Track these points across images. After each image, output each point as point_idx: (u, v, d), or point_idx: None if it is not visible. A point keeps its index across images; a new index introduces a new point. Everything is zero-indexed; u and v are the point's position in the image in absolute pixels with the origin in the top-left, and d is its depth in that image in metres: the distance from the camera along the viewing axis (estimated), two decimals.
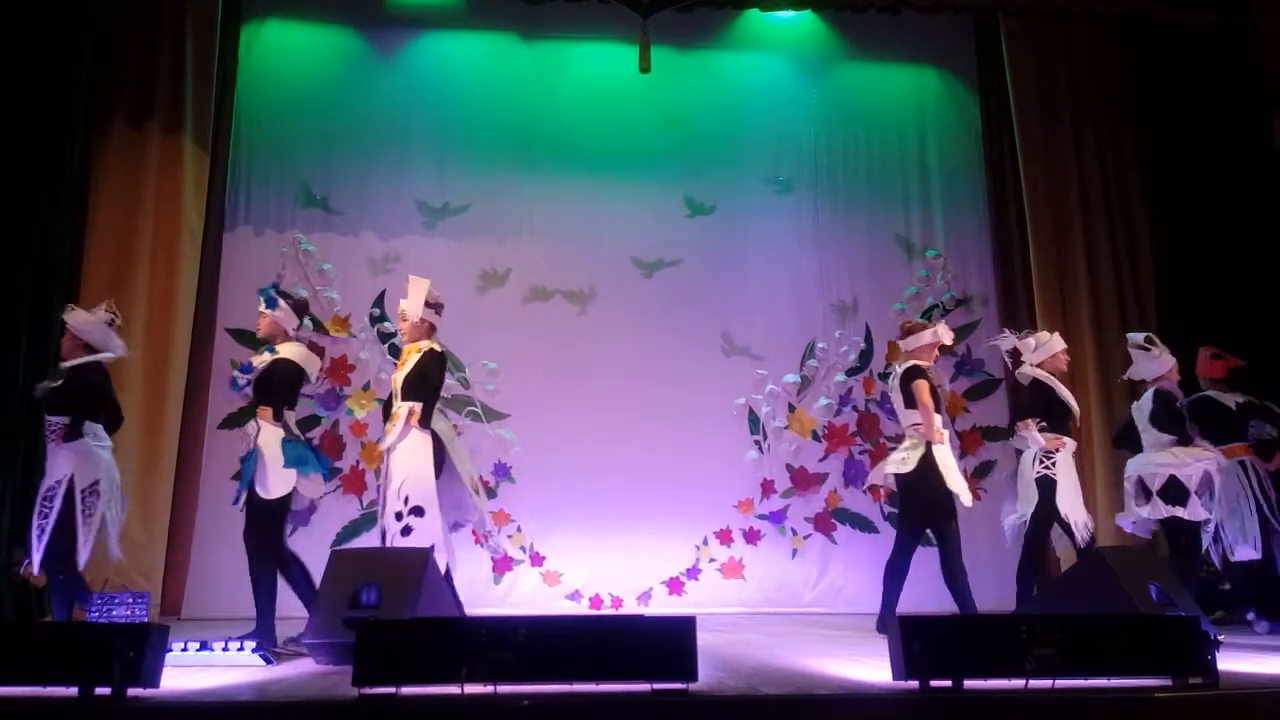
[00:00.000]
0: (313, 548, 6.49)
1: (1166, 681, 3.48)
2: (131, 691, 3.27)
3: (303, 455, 5.02)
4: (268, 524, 4.98)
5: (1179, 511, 5.75)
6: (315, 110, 7.83)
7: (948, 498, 5.49)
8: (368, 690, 3.25)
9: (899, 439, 7.72)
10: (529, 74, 8.11)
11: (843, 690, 3.59)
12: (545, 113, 8.00)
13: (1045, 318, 7.61)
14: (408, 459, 5.12)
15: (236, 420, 7.15)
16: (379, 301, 7.57)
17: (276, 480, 4.94)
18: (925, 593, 6.92)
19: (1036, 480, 5.75)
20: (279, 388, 5.10)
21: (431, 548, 4.68)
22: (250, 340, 7.36)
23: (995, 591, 6.36)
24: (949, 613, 5.29)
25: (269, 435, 5.01)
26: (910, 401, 5.63)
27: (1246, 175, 7.58)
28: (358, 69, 8.00)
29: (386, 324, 7.49)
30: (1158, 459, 5.90)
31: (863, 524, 7.65)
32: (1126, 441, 6.34)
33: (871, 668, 3.96)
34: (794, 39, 8.42)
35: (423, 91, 7.96)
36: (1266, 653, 4.73)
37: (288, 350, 5.18)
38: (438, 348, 5.34)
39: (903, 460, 5.57)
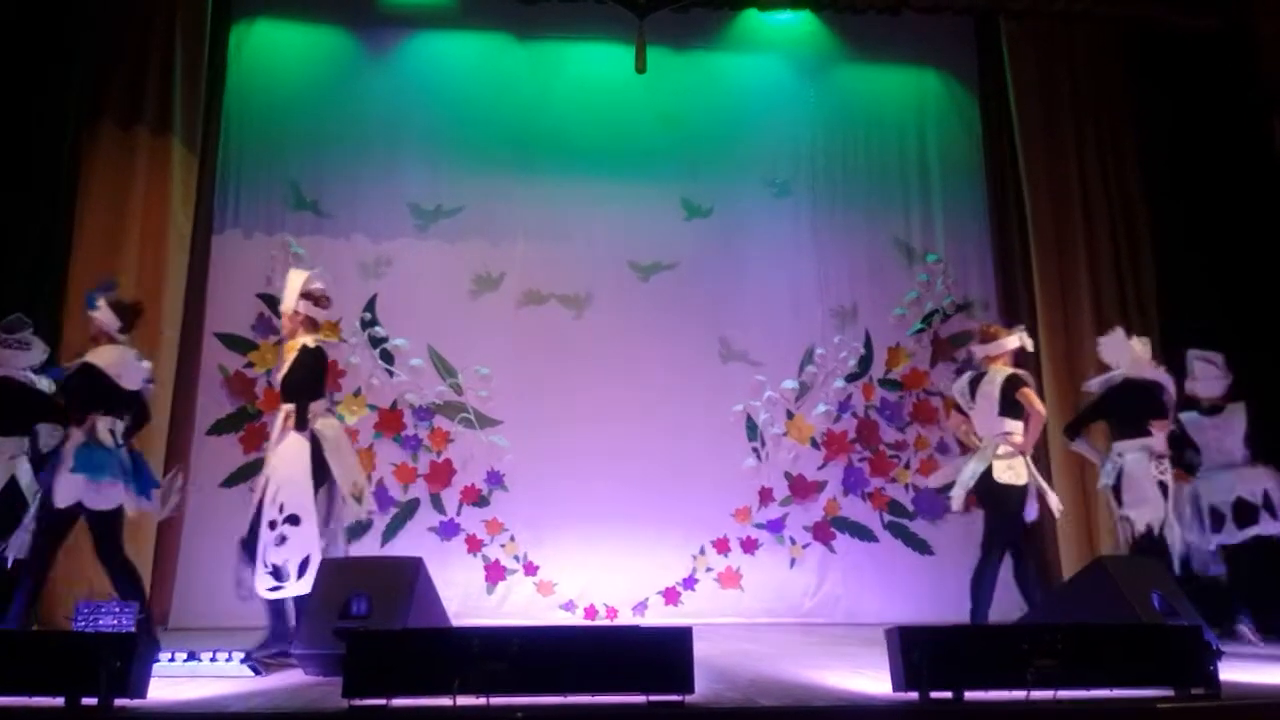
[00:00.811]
0: None
1: (1169, 692, 3.45)
2: (118, 702, 3.24)
3: (99, 461, 4.85)
4: (45, 529, 4.88)
5: None
6: (306, 111, 7.76)
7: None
8: (358, 702, 3.22)
9: (899, 446, 7.75)
10: (523, 74, 8.05)
11: (841, 702, 3.57)
12: (540, 114, 7.93)
13: (1047, 322, 7.54)
14: (283, 464, 4.91)
15: (226, 426, 7.10)
16: (370, 306, 7.51)
17: (61, 486, 4.82)
18: (920, 603, 6.90)
19: (1159, 484, 5.67)
20: (78, 394, 4.99)
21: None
22: (239, 345, 7.33)
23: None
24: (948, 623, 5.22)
25: (70, 443, 4.92)
26: (1008, 409, 5.35)
27: (1248, 177, 7.54)
28: (349, 69, 7.93)
29: (378, 328, 7.43)
30: (1255, 476, 5.97)
31: (862, 533, 7.59)
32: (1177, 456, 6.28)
33: (871, 679, 3.93)
34: (792, 40, 8.35)
35: (415, 92, 7.89)
36: (1269, 663, 4.71)
37: (98, 355, 5.01)
38: (312, 343, 5.09)
39: (1010, 469, 5.26)
